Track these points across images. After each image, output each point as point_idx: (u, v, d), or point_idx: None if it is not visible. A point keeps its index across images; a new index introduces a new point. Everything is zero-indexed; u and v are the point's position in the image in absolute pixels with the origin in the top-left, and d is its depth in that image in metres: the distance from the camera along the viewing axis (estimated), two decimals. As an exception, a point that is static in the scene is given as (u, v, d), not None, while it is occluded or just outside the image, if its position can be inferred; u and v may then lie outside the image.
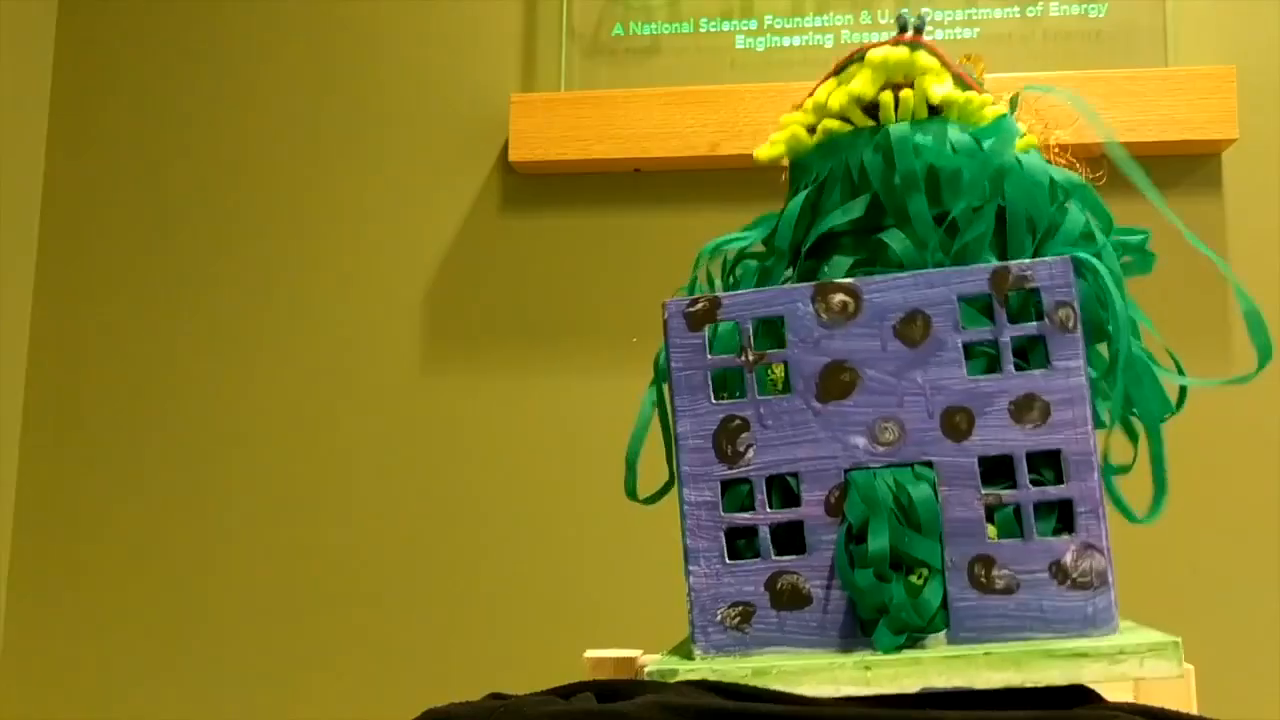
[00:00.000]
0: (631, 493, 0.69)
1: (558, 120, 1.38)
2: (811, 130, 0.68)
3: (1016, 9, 1.39)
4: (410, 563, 1.39)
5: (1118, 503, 0.67)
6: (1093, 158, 0.69)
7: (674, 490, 0.64)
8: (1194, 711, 0.60)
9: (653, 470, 0.68)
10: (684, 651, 0.63)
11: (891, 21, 1.40)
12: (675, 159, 1.37)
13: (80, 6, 1.55)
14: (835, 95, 0.66)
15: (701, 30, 1.43)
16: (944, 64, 0.65)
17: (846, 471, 0.60)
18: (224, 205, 1.49)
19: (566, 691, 0.56)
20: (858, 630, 0.59)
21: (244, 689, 1.39)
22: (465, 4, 1.48)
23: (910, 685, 0.55)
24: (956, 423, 0.59)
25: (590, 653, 0.68)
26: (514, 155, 1.39)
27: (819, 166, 0.67)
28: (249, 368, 1.45)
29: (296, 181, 1.48)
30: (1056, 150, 0.66)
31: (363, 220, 1.46)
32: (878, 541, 0.57)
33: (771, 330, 0.63)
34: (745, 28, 1.42)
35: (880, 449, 0.60)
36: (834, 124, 0.66)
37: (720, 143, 1.35)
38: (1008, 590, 0.58)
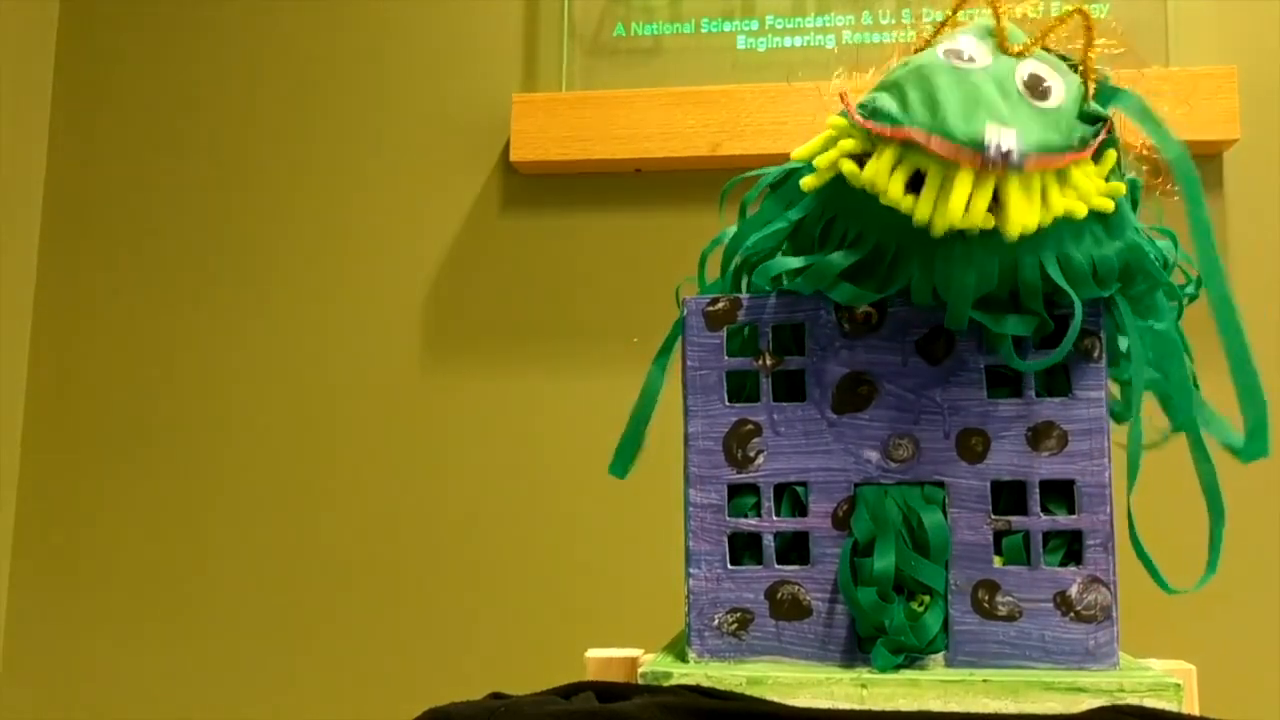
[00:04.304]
0: (619, 470, 0.65)
1: (559, 120, 1.38)
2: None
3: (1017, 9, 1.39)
4: (410, 562, 1.39)
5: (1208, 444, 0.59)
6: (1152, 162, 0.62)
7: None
8: (1194, 711, 0.60)
9: (644, 468, 0.67)
10: (678, 653, 0.62)
11: (893, 22, 1.40)
12: (676, 159, 1.36)
13: (81, 6, 1.55)
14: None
15: (703, 30, 1.42)
16: None
17: (856, 485, 0.59)
18: (225, 205, 1.48)
19: (566, 691, 0.56)
20: (856, 646, 0.59)
21: (244, 688, 1.39)
22: (466, 4, 1.47)
23: (906, 706, 0.55)
24: (972, 445, 0.59)
25: (592, 652, 0.68)
26: (515, 155, 1.38)
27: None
28: (249, 367, 1.44)
29: (297, 181, 1.47)
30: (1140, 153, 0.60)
31: (363, 220, 1.45)
32: (883, 561, 0.57)
33: (792, 335, 0.62)
34: (747, 28, 1.42)
35: (893, 465, 0.59)
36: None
37: (721, 143, 1.35)
38: (1010, 617, 0.58)
